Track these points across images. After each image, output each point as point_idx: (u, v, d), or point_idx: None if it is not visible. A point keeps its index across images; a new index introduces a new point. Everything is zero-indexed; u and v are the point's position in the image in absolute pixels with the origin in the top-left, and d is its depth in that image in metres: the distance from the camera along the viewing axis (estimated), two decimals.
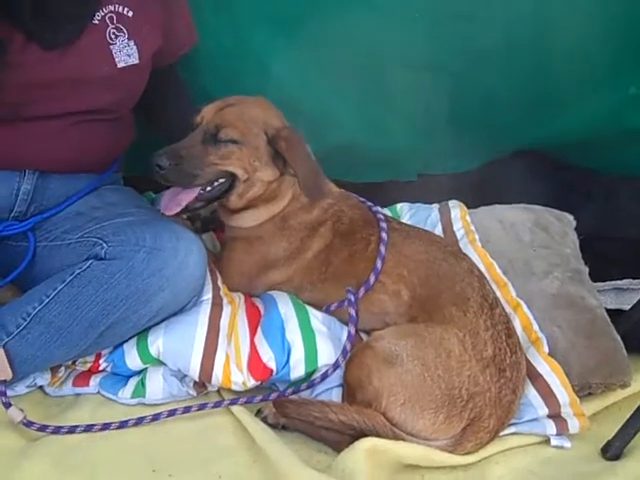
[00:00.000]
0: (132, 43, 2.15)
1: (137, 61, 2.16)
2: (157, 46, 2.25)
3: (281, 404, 1.96)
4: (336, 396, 2.03)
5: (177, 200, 2.13)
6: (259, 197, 2.20)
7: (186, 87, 2.54)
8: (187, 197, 2.13)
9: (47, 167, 2.15)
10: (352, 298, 2.13)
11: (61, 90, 2.07)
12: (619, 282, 2.46)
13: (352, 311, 2.11)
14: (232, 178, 2.15)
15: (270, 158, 2.15)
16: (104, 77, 2.12)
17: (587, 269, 2.42)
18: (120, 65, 2.13)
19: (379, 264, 2.16)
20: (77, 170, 2.22)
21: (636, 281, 2.45)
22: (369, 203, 2.39)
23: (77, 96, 2.10)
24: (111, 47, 2.12)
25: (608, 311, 2.31)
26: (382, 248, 2.18)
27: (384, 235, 2.21)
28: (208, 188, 2.14)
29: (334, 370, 2.03)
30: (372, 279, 2.15)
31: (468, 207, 2.65)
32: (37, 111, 2.07)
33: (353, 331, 2.09)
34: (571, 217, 2.60)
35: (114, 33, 2.12)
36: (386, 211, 2.57)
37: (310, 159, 2.15)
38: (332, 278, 2.23)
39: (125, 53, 2.14)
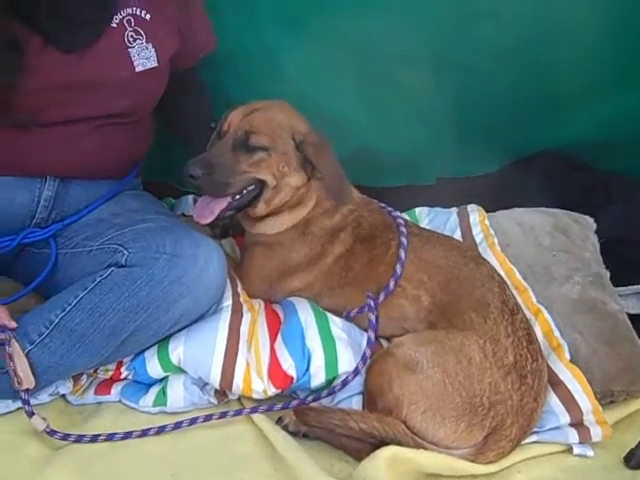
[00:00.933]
0: (150, 46, 2.15)
1: (156, 64, 2.17)
2: (175, 49, 2.25)
3: (302, 412, 1.96)
4: (356, 404, 2.03)
5: (210, 208, 2.13)
6: (285, 204, 2.20)
7: (207, 91, 2.55)
8: (219, 205, 2.13)
9: (67, 173, 2.16)
10: (372, 304, 2.12)
11: (79, 94, 2.08)
12: None
13: (372, 317, 2.11)
14: (261, 185, 2.15)
15: (299, 163, 2.15)
16: (123, 81, 2.12)
17: (608, 273, 2.40)
18: (139, 69, 2.14)
19: (399, 269, 2.15)
20: (97, 176, 2.23)
21: None
22: (389, 208, 2.39)
23: (95, 100, 2.11)
24: (129, 50, 2.12)
25: (630, 316, 2.29)
26: (402, 253, 2.18)
27: (404, 240, 2.20)
28: (237, 196, 2.14)
29: (354, 376, 2.02)
30: (392, 284, 2.15)
31: (488, 210, 2.64)
32: (56, 116, 2.07)
33: (373, 337, 2.08)
34: (591, 220, 2.58)
35: (132, 36, 2.13)
36: (405, 215, 2.56)
37: (336, 163, 2.16)
38: (352, 283, 2.22)
39: (143, 56, 2.14)
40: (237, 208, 2.17)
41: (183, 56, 2.31)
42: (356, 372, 2.02)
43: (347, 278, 2.23)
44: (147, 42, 2.15)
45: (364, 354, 2.04)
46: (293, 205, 2.22)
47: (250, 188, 2.15)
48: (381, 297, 2.15)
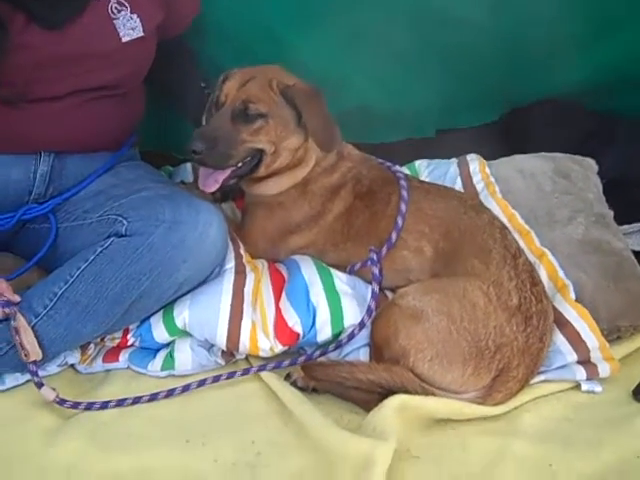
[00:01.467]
0: (135, 16, 2.15)
1: (142, 34, 2.16)
2: (160, 18, 2.24)
3: (309, 367, 1.97)
4: (363, 356, 2.04)
5: (214, 177, 2.14)
6: (285, 165, 2.20)
7: (196, 58, 2.53)
8: (223, 174, 2.14)
9: (61, 147, 2.17)
10: (375, 257, 2.13)
11: (67, 69, 2.08)
12: None
13: (375, 270, 2.11)
14: (260, 153, 2.15)
15: (295, 124, 2.15)
16: (110, 52, 2.12)
17: (612, 212, 2.39)
18: (125, 39, 2.13)
19: (400, 221, 2.16)
20: (91, 149, 2.22)
21: None
22: (388, 163, 2.38)
23: (84, 74, 2.10)
24: (115, 22, 2.12)
25: (635, 253, 2.28)
26: (402, 206, 2.17)
27: (404, 193, 2.20)
28: (239, 164, 2.15)
29: (360, 329, 2.03)
30: (394, 237, 2.15)
31: (489, 159, 2.62)
32: (45, 91, 2.07)
33: (377, 289, 2.09)
34: (593, 162, 2.57)
35: (116, 8, 2.12)
36: (404, 169, 2.55)
37: (324, 112, 2.14)
38: (354, 239, 2.23)
39: (129, 27, 2.13)
40: (240, 176, 2.18)
41: (169, 24, 2.30)
42: (362, 325, 2.03)
43: (349, 234, 2.23)
44: (132, 12, 2.14)
45: (369, 307, 2.05)
46: (293, 166, 2.22)
47: (250, 157, 2.15)
48: (383, 250, 2.15)
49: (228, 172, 2.14)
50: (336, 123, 2.17)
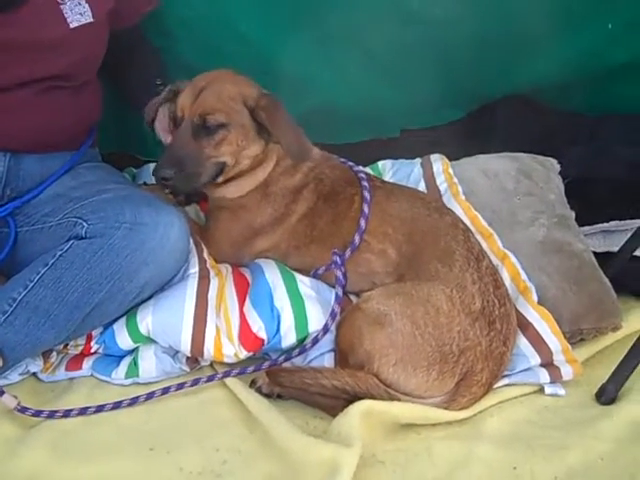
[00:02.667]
0: (84, 2, 2.12)
1: (91, 19, 2.13)
2: (111, 5, 2.21)
3: (274, 373, 1.96)
4: (328, 361, 2.03)
5: None
6: (245, 170, 2.19)
7: (158, 55, 2.49)
8: None
9: (17, 145, 2.13)
10: (338, 260, 2.13)
11: (14, 56, 2.03)
12: (606, 224, 2.45)
13: (339, 273, 2.11)
14: (222, 165, 2.14)
15: (255, 132, 2.13)
16: (57, 38, 2.08)
17: (573, 214, 2.42)
18: (73, 25, 2.10)
19: (363, 223, 2.15)
20: (48, 146, 2.19)
21: (623, 222, 2.44)
22: (350, 163, 2.37)
23: (32, 62, 2.06)
24: (62, 7, 2.09)
25: (597, 254, 2.31)
26: (365, 207, 2.17)
27: (366, 194, 2.20)
28: None
29: (324, 334, 2.03)
30: (357, 239, 2.15)
31: (454, 158, 2.63)
32: None
33: (341, 293, 2.09)
34: (555, 162, 2.59)
35: None
36: (368, 170, 2.55)
37: (291, 123, 2.13)
38: (318, 241, 2.22)
39: (77, 12, 2.10)
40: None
41: (122, 12, 2.27)
42: (326, 329, 2.03)
43: (312, 236, 2.23)
44: None
45: (332, 311, 2.05)
46: (252, 168, 2.20)
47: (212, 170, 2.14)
48: (347, 253, 2.15)
49: None
50: (302, 130, 2.16)
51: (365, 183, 2.24)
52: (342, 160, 2.38)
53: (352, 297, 2.19)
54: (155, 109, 2.22)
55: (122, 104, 2.51)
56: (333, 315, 2.04)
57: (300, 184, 2.24)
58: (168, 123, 2.21)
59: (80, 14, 2.10)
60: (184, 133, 2.07)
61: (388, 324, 1.91)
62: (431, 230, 2.13)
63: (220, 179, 2.17)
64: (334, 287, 2.12)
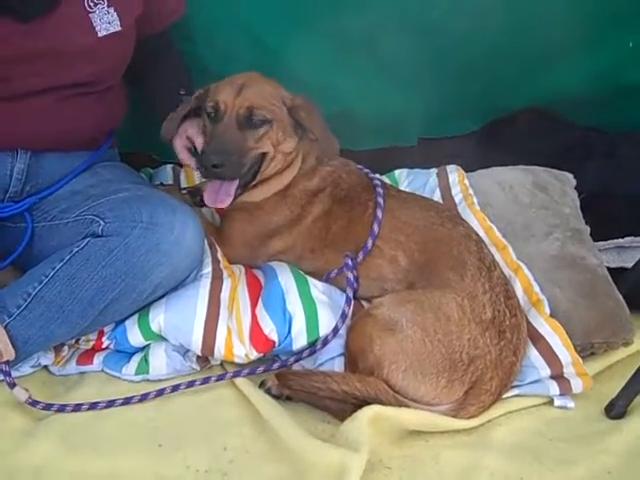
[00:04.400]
0: (112, 10, 2.12)
1: (119, 29, 2.14)
2: (138, 12, 2.22)
3: (284, 376, 1.97)
4: (338, 366, 2.03)
5: (225, 191, 2.14)
6: (277, 171, 2.22)
7: (183, 61, 2.51)
8: (232, 186, 2.14)
9: (39, 145, 2.15)
10: (350, 262, 2.14)
11: (43, 64, 2.05)
12: (621, 240, 2.44)
13: (350, 275, 2.12)
14: (261, 158, 2.16)
15: (292, 129, 2.17)
16: (86, 47, 2.09)
17: (588, 228, 2.41)
18: (101, 34, 2.11)
19: (376, 228, 2.17)
20: (69, 147, 2.21)
21: (638, 239, 2.43)
22: (366, 170, 2.39)
23: (60, 69, 2.08)
24: (91, 15, 2.09)
25: (610, 270, 2.30)
26: (379, 212, 2.19)
27: (380, 200, 2.22)
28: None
29: (334, 335, 2.03)
30: (370, 243, 2.16)
31: (470, 169, 2.63)
32: (21, 87, 2.05)
33: (351, 295, 2.10)
34: (570, 176, 2.59)
35: (93, 1, 2.09)
36: (384, 178, 2.56)
37: (324, 122, 2.18)
38: (331, 244, 2.24)
39: (106, 21, 2.11)
40: (245, 184, 2.18)
41: (150, 20, 2.28)
42: (336, 331, 2.03)
43: (326, 239, 2.24)
44: (109, 6, 2.12)
45: (343, 312, 2.06)
46: (280, 172, 2.23)
47: (253, 163, 2.16)
48: (359, 256, 2.16)
49: (236, 183, 2.14)
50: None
51: (379, 189, 2.26)
52: (359, 167, 2.39)
53: (363, 303, 2.19)
54: (176, 125, 2.25)
55: (141, 105, 2.52)
56: (343, 317, 2.05)
57: (317, 187, 2.27)
58: (198, 130, 2.22)
59: (108, 23, 2.11)
60: (228, 125, 2.10)
61: (398, 330, 1.92)
62: (444, 239, 2.14)
63: (258, 176, 2.19)
64: (345, 291, 2.13)
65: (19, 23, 2.00)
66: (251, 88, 2.13)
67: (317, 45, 2.57)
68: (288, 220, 2.25)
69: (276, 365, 2.02)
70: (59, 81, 2.09)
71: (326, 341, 2.02)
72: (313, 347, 2.03)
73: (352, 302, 2.09)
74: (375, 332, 1.93)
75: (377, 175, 2.43)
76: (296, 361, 2.03)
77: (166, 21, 2.39)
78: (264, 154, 2.15)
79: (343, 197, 2.26)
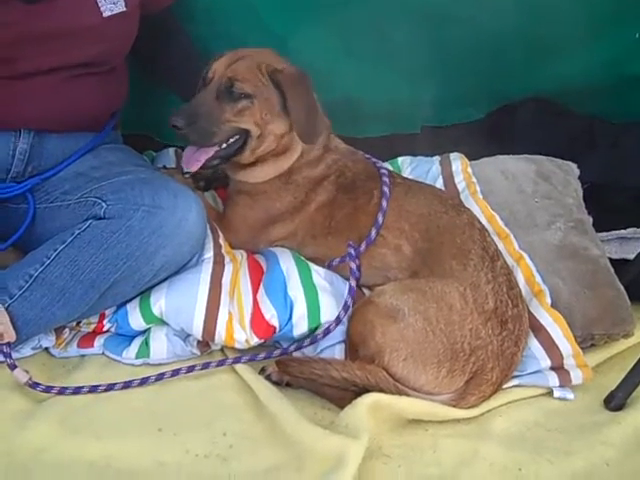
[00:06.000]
0: None
1: (124, 9, 2.14)
2: None
3: (284, 363, 1.97)
4: (339, 352, 2.04)
5: (196, 157, 2.13)
6: (270, 152, 2.20)
7: (186, 34, 2.50)
8: (206, 154, 2.13)
9: (42, 125, 2.14)
10: (353, 252, 2.13)
11: (49, 45, 2.05)
12: (623, 231, 2.44)
13: (353, 265, 2.12)
14: (245, 135, 2.14)
15: (280, 108, 2.13)
16: (91, 28, 2.09)
17: (590, 219, 2.41)
18: (106, 14, 2.11)
19: (380, 218, 2.16)
20: (72, 127, 2.20)
21: None
22: (374, 159, 2.38)
23: (66, 49, 2.08)
24: None
25: (612, 261, 2.30)
26: (384, 202, 2.18)
27: (386, 189, 2.20)
28: (224, 145, 2.14)
29: (336, 325, 2.03)
30: (373, 233, 2.15)
31: (473, 157, 2.63)
32: (27, 67, 2.05)
33: (354, 285, 2.09)
34: (574, 166, 2.58)
35: None
36: (387, 165, 2.55)
37: (309, 101, 2.14)
38: (335, 232, 2.23)
39: (110, 1, 2.11)
40: (223, 157, 2.17)
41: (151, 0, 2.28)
42: (338, 321, 2.03)
43: (330, 227, 2.23)
44: None
45: (345, 303, 2.05)
46: (278, 154, 2.21)
47: (235, 138, 2.14)
48: (362, 246, 2.15)
49: (212, 152, 2.13)
50: (322, 115, 2.18)
51: (386, 179, 2.24)
52: (367, 156, 2.38)
53: (365, 291, 2.19)
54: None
55: (143, 86, 2.51)
56: (346, 307, 2.04)
57: (322, 175, 2.25)
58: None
59: (113, 3, 2.11)
60: (209, 92, 2.09)
61: (400, 319, 1.92)
62: (447, 228, 2.14)
63: (246, 154, 2.17)
64: (348, 279, 2.13)
65: (26, 5, 1.99)
66: (244, 60, 2.12)
67: (321, 31, 2.55)
68: (291, 207, 2.24)
69: (277, 352, 2.02)
70: (64, 62, 2.09)
71: (328, 331, 2.02)
72: (314, 336, 2.03)
73: (355, 292, 2.08)
74: (377, 320, 1.93)
75: (382, 163, 2.42)
76: (297, 349, 2.03)
77: (164, 1, 2.38)
78: (247, 131, 2.13)
79: (348, 185, 2.24)
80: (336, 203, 2.24)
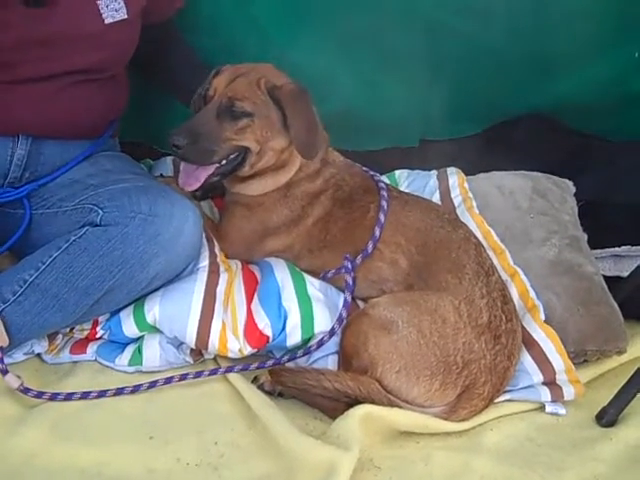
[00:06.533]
0: None
1: (125, 16, 2.14)
2: (144, 3, 2.22)
3: (277, 373, 1.96)
4: (332, 363, 2.04)
5: (195, 176, 2.13)
6: (270, 166, 2.20)
7: (188, 44, 2.50)
8: (205, 172, 2.13)
9: (41, 131, 2.14)
10: (349, 265, 2.13)
11: (49, 50, 2.06)
12: (617, 249, 2.44)
13: (349, 278, 2.12)
14: (245, 151, 2.14)
15: (281, 125, 2.13)
16: (92, 34, 2.10)
17: (585, 236, 2.41)
18: (108, 21, 2.11)
19: (377, 232, 2.16)
20: (71, 134, 2.20)
21: (634, 248, 2.44)
22: (372, 172, 2.38)
23: (66, 55, 2.08)
24: (98, 3, 2.10)
25: (606, 278, 2.30)
26: (381, 216, 2.18)
27: (384, 203, 2.20)
28: (223, 162, 2.13)
29: (330, 337, 2.03)
30: (370, 247, 2.15)
31: (471, 172, 2.63)
32: (26, 72, 2.05)
33: (349, 298, 2.09)
34: (570, 183, 2.59)
35: None
36: (384, 178, 2.55)
37: (311, 115, 2.13)
38: (330, 246, 2.23)
39: (112, 8, 2.11)
40: (222, 174, 2.17)
41: (153, 9, 2.28)
42: (332, 333, 2.03)
43: (325, 241, 2.23)
44: None
45: (340, 315, 2.05)
46: (277, 168, 2.21)
47: (235, 155, 2.14)
48: (358, 259, 2.15)
49: (211, 170, 2.13)
50: (321, 130, 2.17)
51: (384, 193, 2.24)
52: (364, 169, 2.38)
53: (359, 303, 2.19)
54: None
55: (143, 94, 2.51)
56: (340, 320, 2.04)
57: (320, 189, 2.24)
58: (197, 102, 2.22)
59: (115, 10, 2.12)
60: (209, 111, 2.09)
61: (394, 331, 1.92)
62: (443, 242, 2.14)
63: (245, 169, 2.17)
64: (342, 291, 2.13)
65: (29, 9, 2.00)
66: (244, 78, 2.11)
67: (321, 44, 2.56)
68: (288, 220, 2.24)
69: (269, 363, 2.02)
70: (64, 68, 2.09)
71: (321, 342, 2.03)
72: (308, 348, 2.04)
73: (349, 305, 2.08)
74: (371, 331, 1.93)
75: (382, 177, 2.42)
76: (290, 360, 2.03)
77: (170, 9, 2.39)
78: (247, 149, 2.13)
79: (345, 199, 2.24)
80: (332, 217, 2.23)
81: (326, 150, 2.27)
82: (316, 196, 2.24)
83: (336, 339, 2.05)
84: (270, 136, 2.13)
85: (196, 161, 2.10)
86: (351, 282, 2.11)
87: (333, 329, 2.03)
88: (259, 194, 2.24)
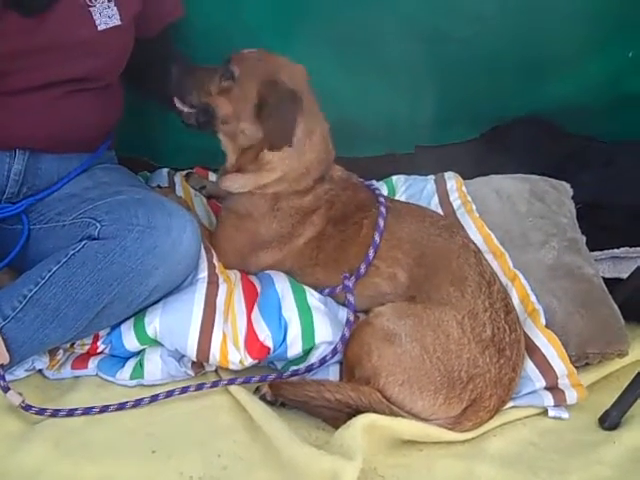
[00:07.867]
0: (112, 4, 2.13)
1: (119, 23, 2.14)
2: (138, 9, 2.22)
3: (277, 386, 1.96)
4: (333, 373, 2.04)
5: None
6: (247, 157, 2.20)
7: (184, 56, 2.49)
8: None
9: (37, 144, 2.14)
10: (349, 284, 2.12)
11: (43, 58, 2.06)
12: (616, 251, 2.45)
13: (351, 298, 2.11)
14: (212, 109, 2.18)
15: (253, 113, 2.13)
16: (85, 41, 2.10)
17: (584, 238, 2.41)
18: (101, 27, 2.11)
19: (371, 253, 2.15)
20: (68, 147, 2.20)
21: (633, 249, 2.44)
22: (368, 183, 2.38)
23: (60, 63, 2.08)
24: (91, 9, 2.10)
25: (605, 280, 2.30)
26: (377, 237, 2.16)
27: (381, 222, 2.18)
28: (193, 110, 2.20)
29: (333, 356, 2.03)
30: (363, 268, 2.14)
31: (467, 177, 2.63)
32: (21, 82, 2.05)
33: (352, 318, 2.08)
34: (568, 185, 2.58)
35: None
36: (381, 184, 2.55)
37: (285, 117, 2.12)
38: (323, 264, 2.22)
39: (105, 15, 2.11)
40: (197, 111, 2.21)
41: (149, 19, 2.28)
42: (335, 352, 2.02)
43: (318, 259, 2.22)
44: (109, 1, 2.12)
45: (343, 335, 2.04)
46: (257, 166, 2.20)
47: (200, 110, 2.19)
48: (352, 280, 2.14)
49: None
50: (328, 145, 2.22)
51: (382, 209, 2.22)
52: (361, 180, 2.38)
53: (360, 314, 2.17)
54: None
55: (138, 109, 2.51)
56: (343, 339, 2.03)
57: (311, 207, 2.22)
58: None
59: (108, 17, 2.12)
60: (217, 68, 2.17)
61: (397, 344, 1.92)
62: (442, 252, 2.13)
63: (220, 134, 2.21)
64: (342, 304, 2.14)
65: (22, 18, 2.00)
66: (260, 55, 2.18)
67: (316, 51, 2.55)
68: (278, 235, 2.23)
69: (272, 377, 2.00)
70: (58, 76, 2.09)
71: (324, 360, 2.02)
72: (310, 365, 2.03)
73: (352, 324, 2.06)
74: (374, 342, 1.93)
75: (379, 184, 2.43)
76: (292, 375, 2.02)
77: (163, 22, 2.39)
78: (214, 109, 2.17)
79: (338, 217, 2.22)
80: (325, 236, 2.22)
81: (327, 166, 2.26)
82: (307, 214, 2.22)
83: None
84: (241, 114, 2.14)
85: (175, 89, 2.18)
86: (352, 301, 2.10)
87: (335, 349, 2.02)
88: (241, 193, 2.23)
